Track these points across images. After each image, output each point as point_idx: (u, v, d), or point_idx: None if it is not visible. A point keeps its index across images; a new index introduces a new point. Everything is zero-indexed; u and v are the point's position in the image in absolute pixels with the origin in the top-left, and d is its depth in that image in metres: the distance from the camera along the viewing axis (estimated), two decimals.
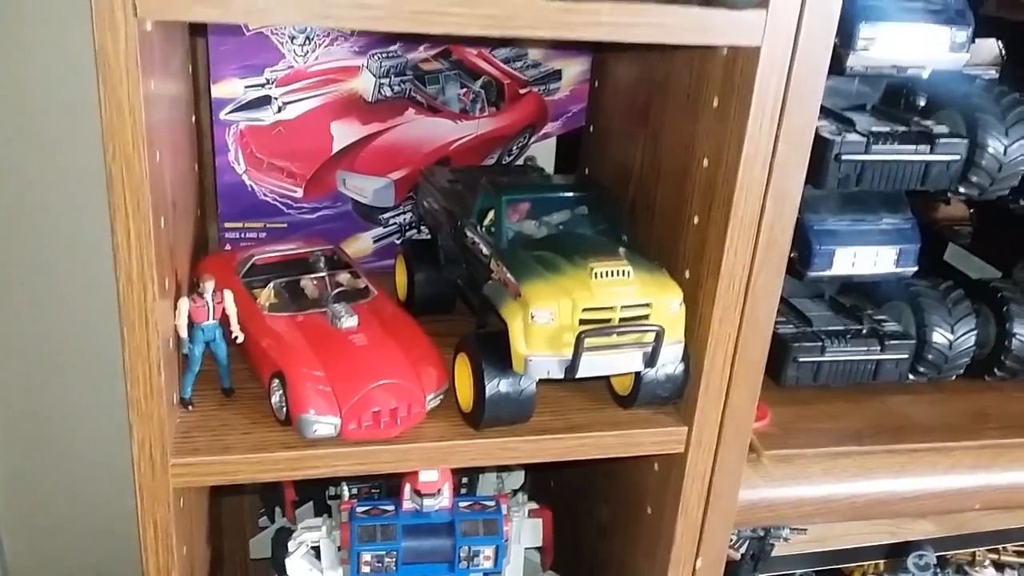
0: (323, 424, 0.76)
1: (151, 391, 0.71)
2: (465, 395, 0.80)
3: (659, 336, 0.75)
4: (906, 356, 0.99)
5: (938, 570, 1.16)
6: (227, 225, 1.06)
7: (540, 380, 0.78)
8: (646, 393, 0.82)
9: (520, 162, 1.11)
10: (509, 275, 0.77)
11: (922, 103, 0.97)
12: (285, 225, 1.07)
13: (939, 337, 1.00)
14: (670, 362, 0.79)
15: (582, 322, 0.74)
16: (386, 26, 0.63)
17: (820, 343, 0.97)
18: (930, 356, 1.00)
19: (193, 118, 0.99)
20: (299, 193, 1.06)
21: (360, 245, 1.10)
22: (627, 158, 0.96)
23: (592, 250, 0.78)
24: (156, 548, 0.77)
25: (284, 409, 0.78)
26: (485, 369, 0.76)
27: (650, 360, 0.77)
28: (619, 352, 0.76)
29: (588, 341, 0.73)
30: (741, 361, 0.81)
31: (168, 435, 0.73)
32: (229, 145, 1.01)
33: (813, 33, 0.70)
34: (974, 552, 1.28)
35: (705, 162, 0.79)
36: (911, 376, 1.02)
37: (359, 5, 0.61)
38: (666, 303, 0.77)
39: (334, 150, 1.04)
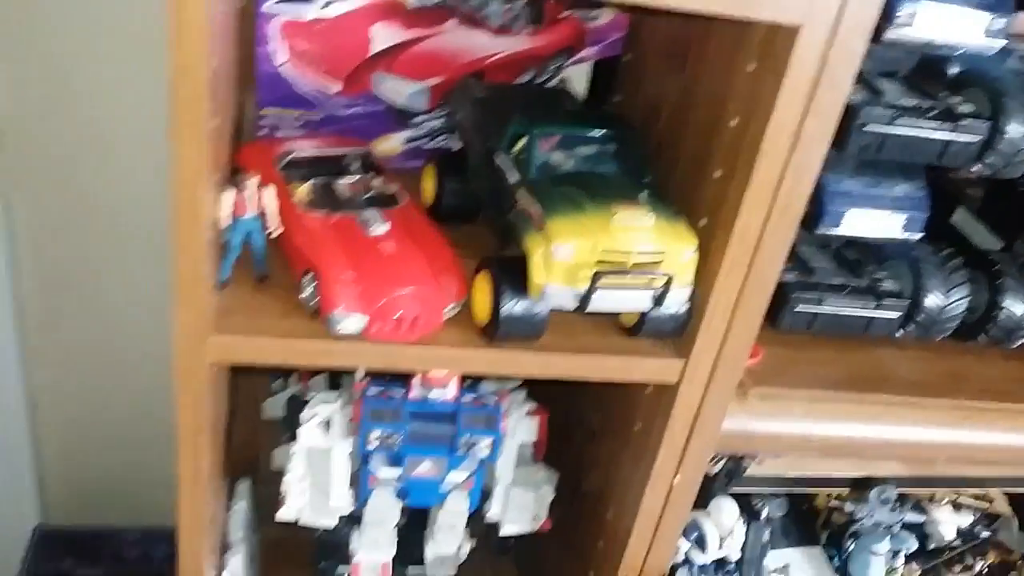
0: (350, 322, 0.82)
1: (196, 278, 0.77)
2: (482, 310, 0.86)
3: (668, 282, 0.81)
4: (898, 316, 1.04)
5: (898, 505, 1.25)
6: (264, 111, 1.09)
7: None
8: (650, 328, 0.88)
9: (556, 83, 1.13)
10: (535, 207, 0.82)
11: (953, 75, 1.00)
12: (320, 117, 1.10)
13: (932, 301, 1.05)
14: (676, 303, 0.85)
15: (599, 262, 0.79)
16: None
17: (819, 295, 1.02)
18: (921, 317, 1.05)
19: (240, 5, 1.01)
20: (336, 89, 1.08)
21: (390, 145, 1.14)
22: (660, 96, 0.99)
23: (616, 193, 0.83)
24: (191, 412, 0.84)
25: (315, 303, 0.84)
26: (503, 292, 0.82)
27: (658, 301, 0.83)
28: (630, 291, 0.81)
29: (602, 280, 0.79)
30: (742, 310, 0.87)
31: (208, 316, 0.80)
32: (270, 36, 1.04)
33: (854, 19, 0.72)
34: (934, 491, 1.38)
35: (734, 121, 0.82)
36: (900, 333, 1.08)
37: None
38: (679, 251, 0.82)
39: (372, 51, 1.07)
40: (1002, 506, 1.47)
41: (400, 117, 1.13)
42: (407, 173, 1.09)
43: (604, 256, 0.79)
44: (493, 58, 1.11)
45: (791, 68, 0.74)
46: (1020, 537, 1.53)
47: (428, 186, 1.05)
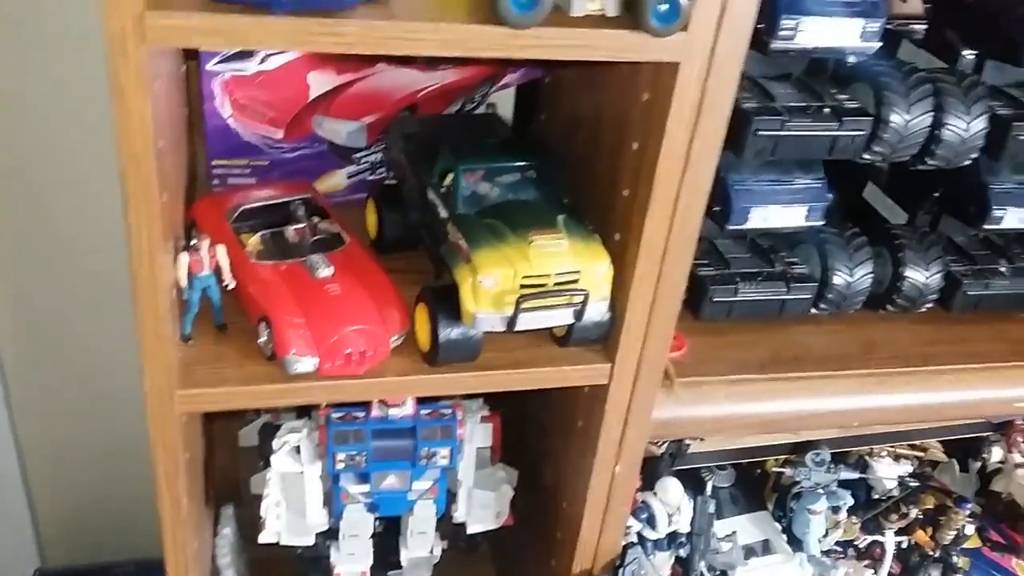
0: (303, 363, 0.90)
1: (159, 339, 0.84)
2: (424, 337, 0.95)
3: (586, 298, 0.90)
4: (809, 297, 1.14)
5: (832, 465, 1.36)
6: (215, 163, 1.17)
7: None
8: (577, 337, 0.97)
9: (483, 108, 1.21)
10: (462, 242, 0.91)
11: (841, 73, 1.09)
12: (267, 163, 1.18)
13: (839, 279, 1.15)
14: (597, 313, 0.94)
15: (522, 286, 0.88)
16: (357, 49, 0.73)
17: (734, 284, 1.11)
18: (831, 295, 1.15)
19: (183, 68, 1.08)
20: (280, 135, 1.16)
21: (335, 181, 1.22)
22: (576, 117, 1.07)
23: (534, 220, 0.92)
24: (165, 461, 0.93)
25: (270, 347, 0.92)
26: (440, 320, 0.91)
27: (578, 316, 0.92)
28: (552, 310, 0.90)
29: (525, 303, 0.88)
30: (657, 312, 0.96)
31: (173, 372, 0.88)
32: (215, 93, 1.11)
33: (726, 52, 0.81)
34: (871, 447, 1.48)
35: (635, 145, 0.91)
36: (814, 310, 1.17)
37: (334, 34, 0.72)
38: (594, 269, 0.91)
39: (311, 97, 1.14)
40: (937, 454, 1.58)
41: (342, 154, 1.21)
42: (353, 206, 1.17)
43: (526, 281, 0.88)
44: (423, 92, 1.19)
45: (675, 98, 0.83)
46: (962, 478, 1.65)
47: (371, 219, 1.13)
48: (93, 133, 1.42)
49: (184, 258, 0.90)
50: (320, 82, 1.14)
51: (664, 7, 0.75)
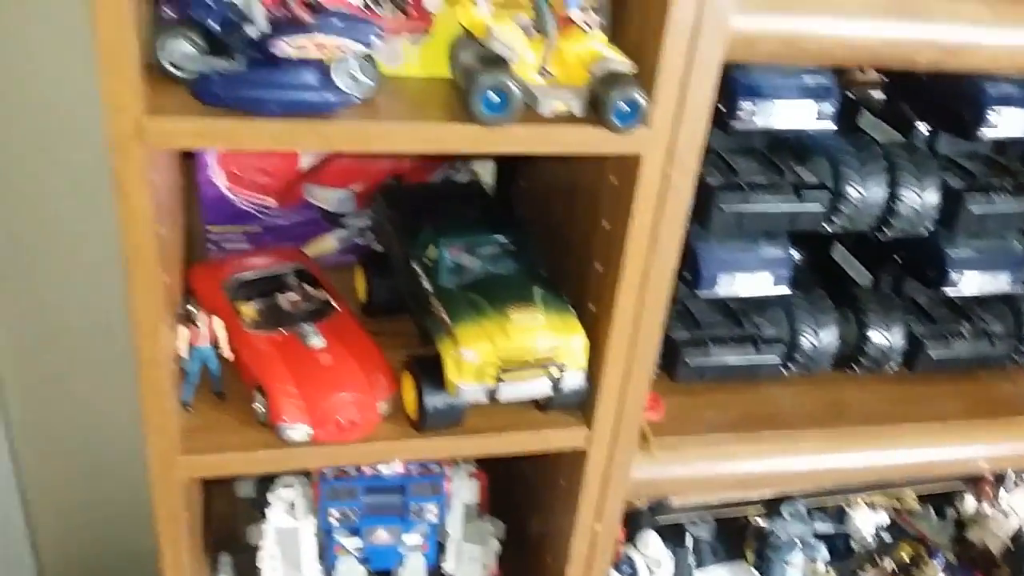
0: (296, 430, 0.96)
1: (162, 411, 0.90)
2: (411, 404, 1.00)
3: (563, 370, 0.96)
4: (777, 359, 1.19)
5: (808, 516, 1.41)
6: (211, 229, 1.23)
7: None
8: (557, 403, 1.03)
9: (465, 175, 1.28)
10: (445, 315, 0.97)
11: (801, 147, 1.15)
12: (261, 229, 1.24)
13: (806, 342, 1.20)
14: (574, 382, 1.00)
15: (502, 359, 0.94)
16: (341, 147, 0.80)
17: (706, 347, 1.17)
18: (799, 357, 1.21)
19: None
20: (273, 203, 1.23)
21: (327, 244, 1.28)
22: (552, 187, 1.14)
23: (512, 295, 0.98)
24: (167, 524, 0.98)
25: (266, 415, 0.98)
26: (424, 390, 0.97)
27: (556, 387, 0.97)
28: (531, 382, 0.96)
29: (505, 376, 0.94)
30: (631, 379, 1.02)
31: (175, 440, 0.93)
32: (210, 163, 1.18)
33: (685, 143, 0.87)
34: (848, 497, 1.53)
35: (605, 224, 0.97)
36: (784, 371, 1.23)
37: (319, 135, 0.78)
38: (569, 342, 0.96)
39: (302, 167, 1.21)
40: (910, 502, 1.62)
41: (333, 219, 1.28)
42: (344, 267, 1.24)
43: (505, 355, 0.94)
44: (408, 161, 1.26)
45: (639, 186, 0.89)
46: (939, 525, 1.69)
47: (360, 285, 1.19)
48: (92, 206, 1.49)
49: (184, 332, 0.96)
50: (310, 153, 1.20)
51: (625, 108, 0.82)
